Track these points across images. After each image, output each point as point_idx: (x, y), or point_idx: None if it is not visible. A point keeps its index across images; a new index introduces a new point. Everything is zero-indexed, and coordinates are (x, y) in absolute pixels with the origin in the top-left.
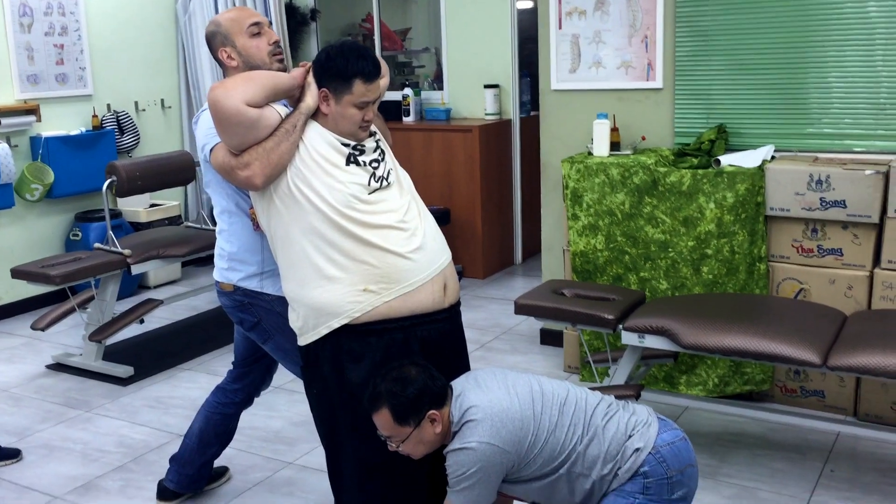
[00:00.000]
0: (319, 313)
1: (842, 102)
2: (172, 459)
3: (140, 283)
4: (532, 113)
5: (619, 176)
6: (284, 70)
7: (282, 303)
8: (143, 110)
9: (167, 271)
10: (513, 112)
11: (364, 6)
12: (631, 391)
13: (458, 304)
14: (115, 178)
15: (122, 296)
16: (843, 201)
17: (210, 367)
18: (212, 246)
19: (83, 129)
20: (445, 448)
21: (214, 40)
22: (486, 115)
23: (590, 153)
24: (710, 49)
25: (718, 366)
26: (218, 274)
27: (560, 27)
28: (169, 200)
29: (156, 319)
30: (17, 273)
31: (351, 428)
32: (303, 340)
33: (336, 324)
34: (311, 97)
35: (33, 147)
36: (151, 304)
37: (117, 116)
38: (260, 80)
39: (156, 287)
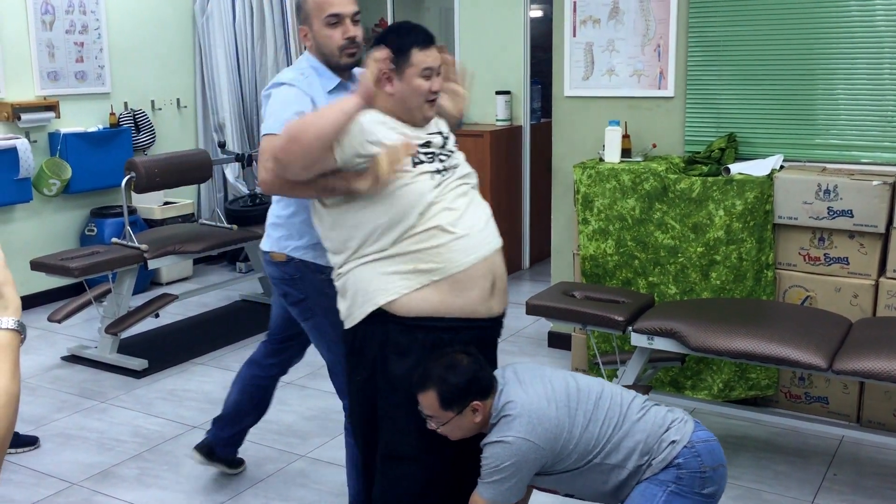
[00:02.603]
0: (367, 291)
1: (848, 114)
2: (215, 420)
3: (153, 280)
4: (542, 120)
5: (630, 182)
6: (355, 64)
7: (332, 285)
8: (160, 109)
9: (179, 268)
10: (524, 118)
11: (377, 11)
12: (640, 391)
13: (503, 315)
14: (134, 174)
15: (135, 291)
16: (851, 211)
17: (223, 363)
18: (226, 243)
19: (101, 127)
20: (483, 440)
21: (299, 14)
22: (497, 121)
23: (601, 159)
24: (722, 59)
25: (724, 371)
26: (269, 243)
27: (574, 35)
28: (183, 198)
29: (169, 315)
30: (37, 265)
31: (387, 418)
32: (349, 322)
33: (382, 300)
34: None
35: (52, 143)
36: (167, 299)
37: (134, 115)
38: (324, 135)
39: (168, 283)
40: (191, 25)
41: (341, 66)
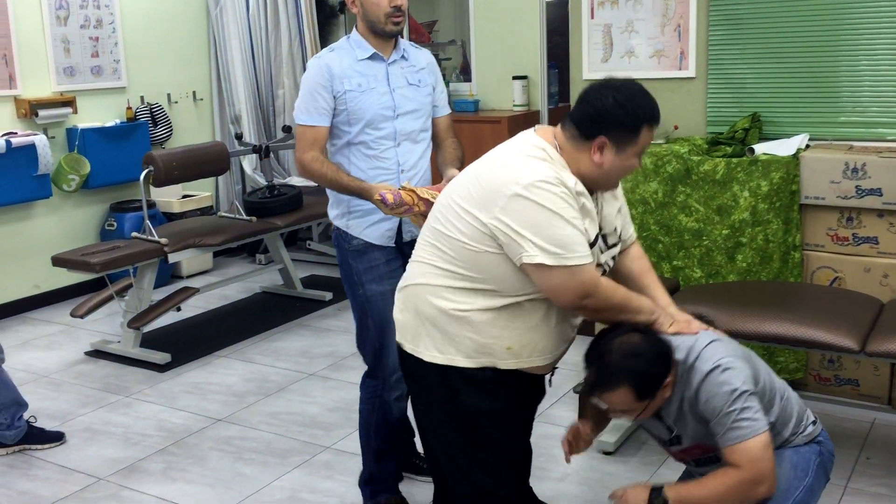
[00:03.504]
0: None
1: (873, 91)
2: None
3: (173, 273)
4: (560, 104)
5: (652, 165)
6: (398, 33)
7: (355, 255)
8: (176, 102)
9: (199, 262)
10: (541, 103)
11: None
12: None
13: None
14: (152, 168)
15: (156, 285)
16: (880, 189)
17: (245, 355)
18: (245, 235)
19: (118, 121)
20: (685, 396)
21: None
22: (515, 106)
23: None
24: (744, 37)
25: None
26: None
27: (592, 17)
28: (201, 191)
29: (190, 308)
30: (58, 261)
31: (462, 453)
32: (425, 355)
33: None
34: None
35: (70, 138)
36: (188, 292)
37: (151, 108)
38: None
39: (188, 277)
40: (205, 18)
41: (386, 33)
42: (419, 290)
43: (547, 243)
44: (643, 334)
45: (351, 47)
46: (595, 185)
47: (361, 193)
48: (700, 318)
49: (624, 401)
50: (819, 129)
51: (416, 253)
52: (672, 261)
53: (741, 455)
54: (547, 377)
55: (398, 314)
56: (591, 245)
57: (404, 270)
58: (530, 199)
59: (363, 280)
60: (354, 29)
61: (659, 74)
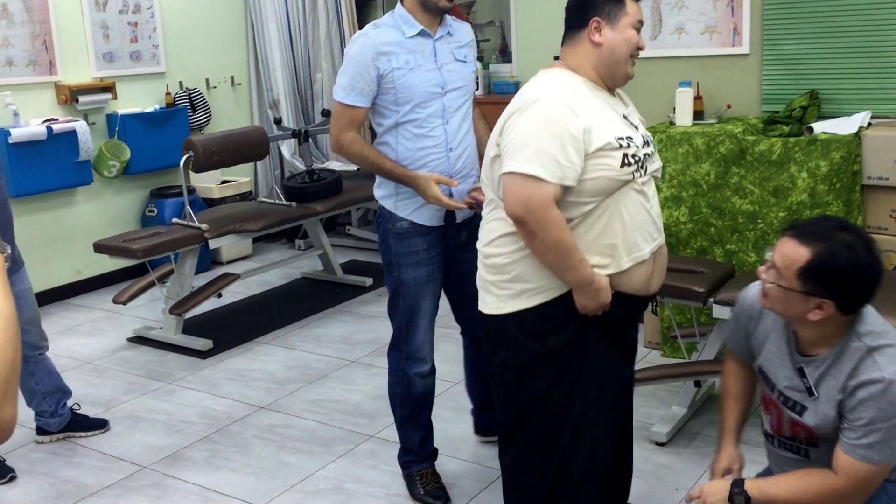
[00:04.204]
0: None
1: None
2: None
3: (213, 259)
4: None
5: (704, 146)
6: (450, 10)
7: (396, 237)
8: (214, 87)
9: (239, 247)
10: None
11: None
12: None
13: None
14: (192, 153)
15: (197, 271)
16: None
17: (286, 341)
18: (284, 221)
19: (157, 107)
20: (847, 382)
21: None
22: None
23: (672, 123)
24: (800, 11)
25: None
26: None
27: None
28: (240, 177)
29: (231, 294)
30: (100, 247)
31: (545, 393)
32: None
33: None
34: None
35: (110, 124)
36: (229, 279)
37: (189, 94)
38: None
39: (228, 262)
40: (242, 2)
41: (439, 9)
42: None
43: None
44: (853, 233)
45: (397, 24)
46: (610, 73)
47: (408, 182)
48: None
49: (792, 260)
50: (882, 105)
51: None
52: (724, 245)
53: (853, 472)
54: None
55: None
56: (621, 145)
57: (446, 254)
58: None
59: (400, 263)
60: (400, 4)
61: (711, 51)
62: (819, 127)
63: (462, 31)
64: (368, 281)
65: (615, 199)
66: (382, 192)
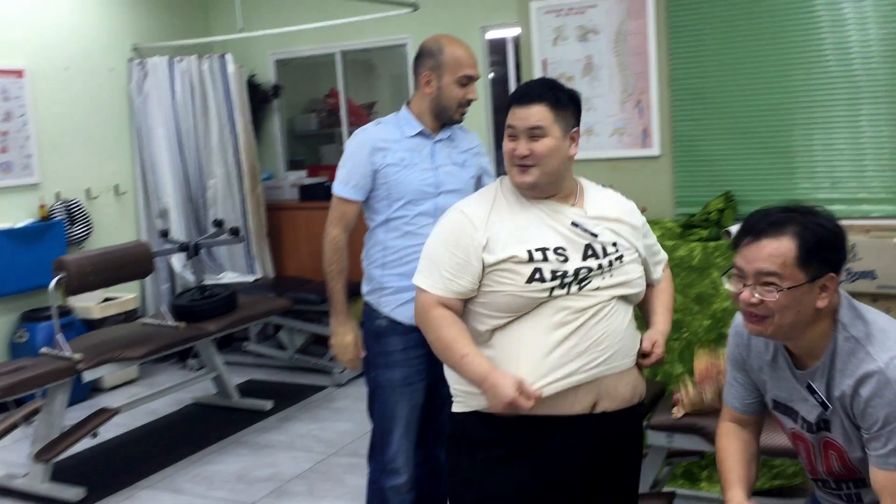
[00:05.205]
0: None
1: (851, 165)
2: None
3: (94, 386)
4: None
5: None
6: (460, 122)
7: (374, 336)
8: (96, 198)
9: (123, 372)
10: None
11: (328, 81)
12: (663, 500)
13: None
14: (64, 274)
15: (73, 401)
16: (872, 272)
17: (173, 483)
18: (172, 345)
19: (30, 221)
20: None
21: (425, 59)
22: None
23: None
24: (709, 112)
25: None
26: None
27: None
28: (125, 293)
29: (111, 427)
30: None
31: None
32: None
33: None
34: None
35: None
36: (106, 414)
37: (67, 206)
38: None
39: (111, 389)
40: (126, 106)
41: (452, 121)
42: None
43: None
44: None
45: (399, 123)
46: (439, 112)
47: (334, 311)
48: None
49: (783, 256)
50: None
51: None
52: None
53: (893, 485)
54: None
55: None
56: (532, 258)
57: (429, 357)
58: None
59: (377, 363)
60: (405, 107)
61: (621, 153)
62: (737, 229)
63: (465, 138)
64: (268, 405)
65: (532, 316)
66: (367, 288)
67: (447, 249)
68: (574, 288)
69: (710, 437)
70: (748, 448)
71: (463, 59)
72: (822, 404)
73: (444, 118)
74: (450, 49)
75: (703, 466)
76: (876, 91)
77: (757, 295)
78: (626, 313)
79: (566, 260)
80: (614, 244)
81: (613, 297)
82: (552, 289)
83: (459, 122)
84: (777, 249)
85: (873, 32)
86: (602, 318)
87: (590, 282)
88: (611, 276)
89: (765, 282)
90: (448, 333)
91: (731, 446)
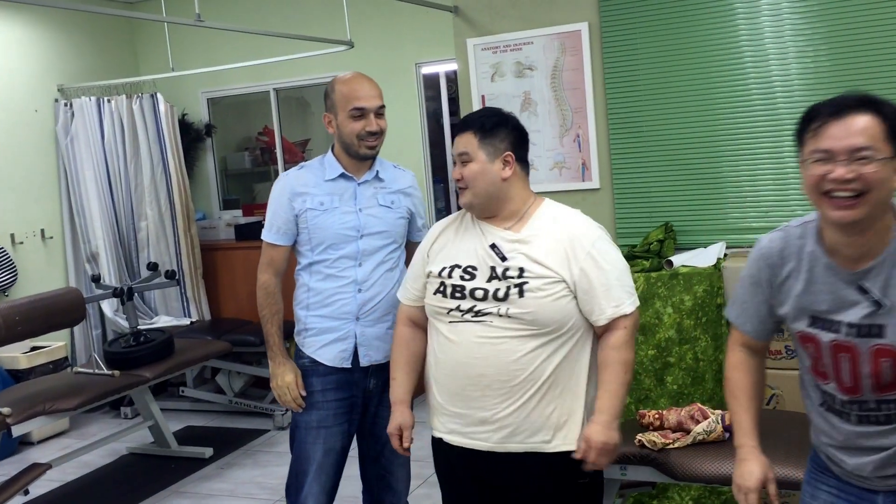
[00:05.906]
0: None
1: (776, 195)
2: None
3: (22, 440)
4: None
5: None
6: (372, 157)
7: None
8: (21, 243)
9: (54, 424)
10: (430, 220)
11: (261, 119)
12: None
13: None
14: None
15: (1, 456)
16: None
17: None
18: (105, 394)
19: None
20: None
21: (326, 102)
22: None
23: None
24: (646, 144)
25: (693, 486)
26: None
27: None
28: (53, 342)
29: (43, 482)
30: None
31: None
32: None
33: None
34: None
35: None
36: (38, 470)
37: None
38: None
39: (41, 442)
40: (53, 147)
41: (360, 156)
42: None
43: None
44: None
45: (322, 167)
46: (347, 150)
47: (271, 357)
48: None
49: (874, 129)
50: (734, 236)
51: None
52: None
53: None
54: None
55: None
56: (441, 272)
57: (350, 402)
58: None
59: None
60: (330, 149)
61: (561, 187)
62: (678, 260)
63: (397, 178)
64: (208, 452)
65: (435, 332)
66: (296, 328)
67: (415, 261)
68: (468, 311)
69: (664, 468)
70: (760, 381)
71: (350, 93)
72: (877, 303)
73: (352, 154)
74: (339, 87)
75: (653, 496)
76: (796, 123)
77: (854, 169)
78: (527, 351)
79: (472, 279)
80: (521, 270)
81: (510, 332)
82: (449, 310)
83: (370, 155)
84: (868, 123)
85: (794, 68)
86: (484, 355)
87: (485, 307)
88: (507, 304)
89: (858, 157)
90: (393, 354)
91: (744, 380)
